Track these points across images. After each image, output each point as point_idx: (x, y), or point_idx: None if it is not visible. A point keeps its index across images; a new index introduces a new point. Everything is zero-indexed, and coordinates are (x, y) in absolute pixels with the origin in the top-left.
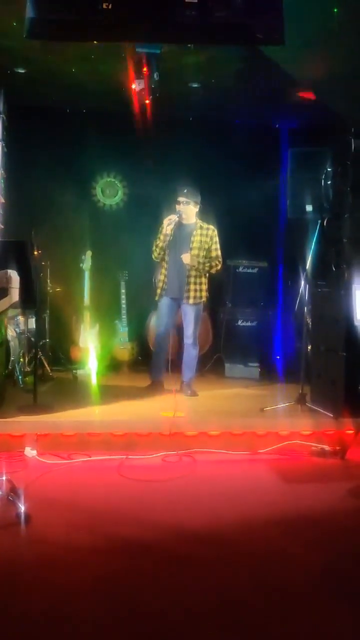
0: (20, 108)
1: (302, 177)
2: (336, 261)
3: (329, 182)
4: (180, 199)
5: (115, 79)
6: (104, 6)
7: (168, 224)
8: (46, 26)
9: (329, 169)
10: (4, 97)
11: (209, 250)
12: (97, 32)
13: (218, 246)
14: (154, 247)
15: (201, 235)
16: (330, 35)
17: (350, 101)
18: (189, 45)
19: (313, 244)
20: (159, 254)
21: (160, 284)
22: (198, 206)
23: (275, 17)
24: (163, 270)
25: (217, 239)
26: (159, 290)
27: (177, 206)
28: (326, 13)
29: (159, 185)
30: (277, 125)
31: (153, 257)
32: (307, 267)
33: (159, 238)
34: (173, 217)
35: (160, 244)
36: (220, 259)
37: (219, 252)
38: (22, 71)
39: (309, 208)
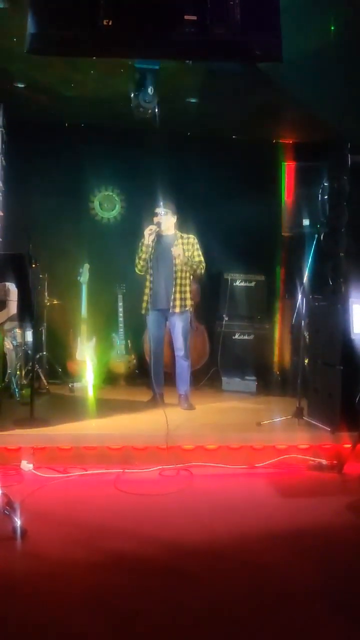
0: (20, 122)
1: (299, 192)
2: (333, 275)
3: (325, 197)
4: (158, 210)
5: (114, 94)
6: (104, 23)
7: (149, 234)
8: (47, 42)
9: (325, 184)
10: (3, 111)
11: (191, 257)
12: (97, 48)
13: (200, 252)
14: (137, 261)
15: (182, 244)
16: (327, 51)
17: (346, 117)
18: (188, 61)
19: (310, 257)
20: (143, 266)
21: (146, 297)
22: (175, 216)
23: (273, 35)
24: (147, 284)
25: (198, 246)
26: (144, 304)
27: (154, 219)
28: (323, 30)
29: (156, 199)
30: (274, 141)
31: (136, 270)
32: (304, 280)
33: (142, 250)
34: (153, 227)
35: (144, 256)
36: (204, 264)
37: (202, 258)
38: (22, 86)
39: (306, 222)
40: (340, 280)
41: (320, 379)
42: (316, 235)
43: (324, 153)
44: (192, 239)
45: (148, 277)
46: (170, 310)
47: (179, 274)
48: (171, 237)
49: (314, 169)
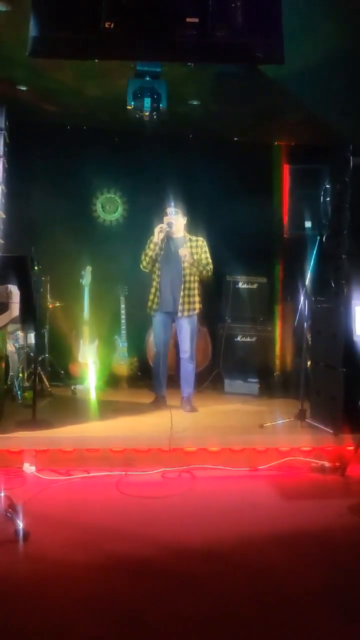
0: (22, 124)
1: (301, 194)
2: (335, 277)
3: (327, 199)
4: (169, 210)
5: (116, 96)
6: (106, 25)
7: (159, 232)
8: (49, 45)
9: (327, 186)
10: (5, 114)
11: (199, 259)
12: (99, 50)
13: (208, 255)
14: (142, 257)
15: (191, 247)
16: (328, 53)
17: (348, 119)
18: (190, 64)
19: (312, 260)
20: (148, 263)
21: (152, 297)
22: (185, 218)
23: (275, 37)
24: (154, 284)
25: (206, 248)
26: (151, 305)
27: (165, 218)
28: (325, 33)
29: (158, 201)
30: (276, 143)
31: (141, 266)
32: (307, 283)
33: (149, 247)
34: (164, 226)
35: (150, 253)
36: (211, 266)
37: (210, 260)
38: (24, 88)
39: (307, 224)
40: (342, 282)
41: (322, 381)
42: (318, 237)
43: (326, 155)
44: (201, 241)
45: (155, 277)
46: (179, 314)
47: (187, 277)
48: (180, 240)
49: (315, 171)
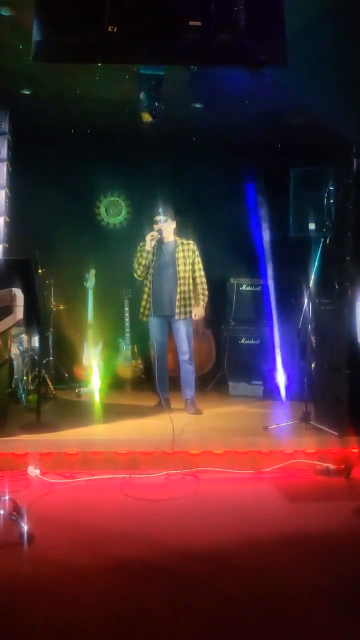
0: (26, 129)
1: (305, 196)
2: (339, 279)
3: (331, 201)
4: (158, 217)
5: (119, 100)
6: (109, 29)
7: (151, 239)
8: (52, 49)
9: (331, 188)
10: (9, 118)
11: (192, 264)
12: (102, 54)
13: (201, 265)
14: (136, 266)
15: (183, 251)
16: (332, 55)
17: (351, 120)
18: (193, 67)
19: (316, 262)
20: (143, 271)
21: (144, 303)
22: (175, 222)
23: (278, 40)
24: (147, 290)
25: (198, 252)
26: (143, 310)
27: (155, 226)
28: (328, 35)
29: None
30: (279, 145)
31: (136, 276)
32: (311, 285)
33: (142, 256)
34: (155, 234)
35: (144, 262)
36: (205, 284)
37: (202, 273)
38: (28, 92)
39: (311, 226)
40: (347, 284)
41: (327, 383)
42: (322, 239)
43: (329, 157)
44: (192, 244)
45: (147, 283)
46: (176, 317)
47: (182, 280)
48: (172, 244)
49: (319, 173)
